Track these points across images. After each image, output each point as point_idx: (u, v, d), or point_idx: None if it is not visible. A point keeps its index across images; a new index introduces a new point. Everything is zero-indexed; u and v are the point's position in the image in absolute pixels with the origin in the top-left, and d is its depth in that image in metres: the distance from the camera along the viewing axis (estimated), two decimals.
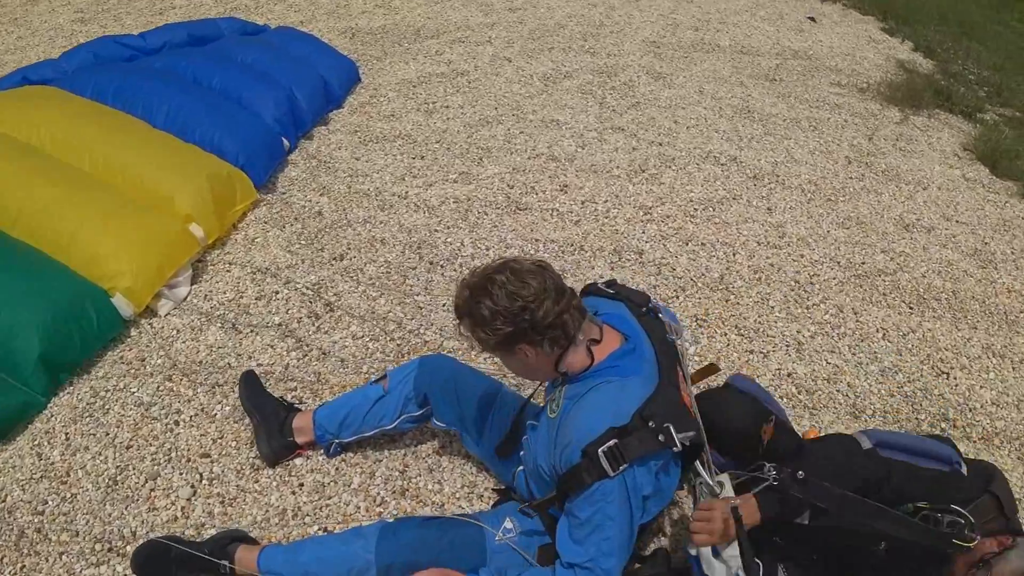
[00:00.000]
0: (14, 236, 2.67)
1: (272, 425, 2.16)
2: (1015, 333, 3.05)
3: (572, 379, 1.65)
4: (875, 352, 2.83)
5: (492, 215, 3.40)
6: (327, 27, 5.32)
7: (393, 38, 5.22)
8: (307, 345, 2.61)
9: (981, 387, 2.75)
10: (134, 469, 2.17)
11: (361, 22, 5.46)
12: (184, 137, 3.31)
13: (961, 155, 4.52)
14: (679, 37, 5.69)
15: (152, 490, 2.11)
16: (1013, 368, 2.87)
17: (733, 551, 1.61)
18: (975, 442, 2.53)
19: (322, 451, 2.21)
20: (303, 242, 3.12)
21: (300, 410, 2.23)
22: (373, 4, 5.73)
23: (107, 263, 2.61)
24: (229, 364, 2.52)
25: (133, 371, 2.48)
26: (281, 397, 2.29)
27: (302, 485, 2.13)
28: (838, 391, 2.63)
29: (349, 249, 3.10)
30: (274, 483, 2.14)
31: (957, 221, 3.79)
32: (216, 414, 2.34)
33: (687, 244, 3.30)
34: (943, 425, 2.57)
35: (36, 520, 2.02)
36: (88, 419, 2.31)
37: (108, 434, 2.27)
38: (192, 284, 2.85)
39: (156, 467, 2.18)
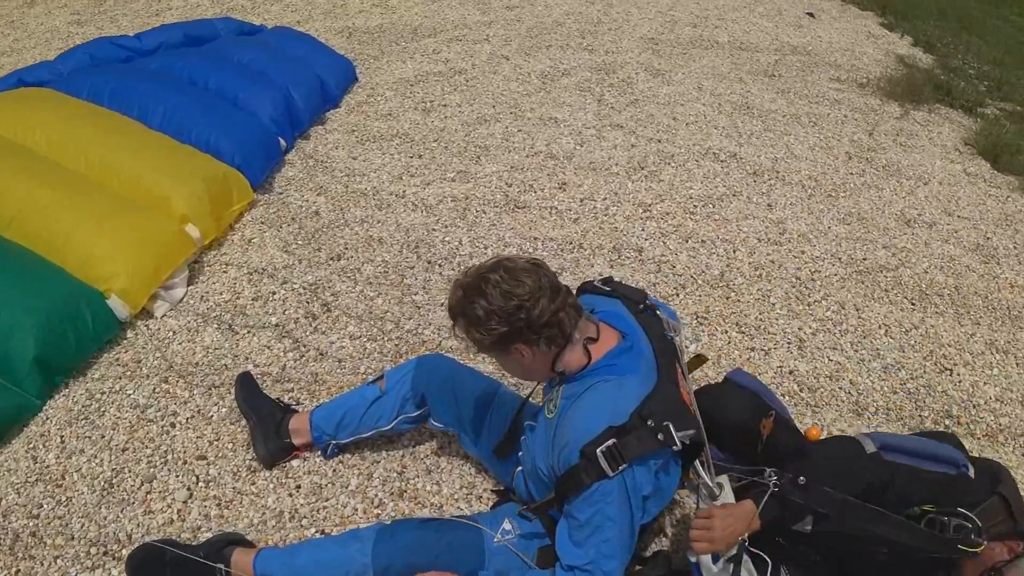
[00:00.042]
0: (9, 238, 2.65)
1: (268, 427, 2.14)
2: (1018, 328, 3.03)
3: (569, 378, 1.62)
4: (877, 349, 2.80)
5: (490, 213, 3.37)
6: (324, 27, 5.30)
7: (390, 37, 5.20)
8: (304, 346, 2.59)
9: (985, 383, 2.72)
10: (130, 472, 2.15)
11: (358, 21, 5.44)
12: (180, 138, 3.29)
13: (962, 150, 4.49)
14: (677, 34, 5.67)
15: (148, 493, 2.09)
16: (1017, 364, 2.84)
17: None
18: (979, 439, 2.50)
19: (319, 453, 2.18)
20: (300, 242, 3.10)
21: (297, 411, 2.20)
22: (370, 3, 5.71)
23: (102, 264, 2.59)
24: (226, 365, 2.50)
25: (129, 373, 2.46)
26: (278, 398, 2.27)
27: (299, 487, 2.11)
28: (840, 388, 2.60)
29: (346, 249, 3.08)
30: (271, 485, 2.11)
31: (959, 216, 3.77)
32: (212, 416, 2.32)
33: (687, 241, 3.28)
34: (947, 422, 2.54)
35: (31, 524, 2.00)
36: (84, 422, 2.29)
37: (104, 437, 2.25)
38: (188, 285, 2.83)
39: (152, 470, 2.15)
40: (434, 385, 2.02)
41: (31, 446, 2.22)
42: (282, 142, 3.65)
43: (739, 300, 2.97)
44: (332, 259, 3.02)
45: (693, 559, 1.64)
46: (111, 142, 3.12)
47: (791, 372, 2.64)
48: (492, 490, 2.12)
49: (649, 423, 1.49)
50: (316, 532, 2.00)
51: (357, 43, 5.08)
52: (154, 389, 2.40)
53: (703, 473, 1.69)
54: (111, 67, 3.83)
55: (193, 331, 2.63)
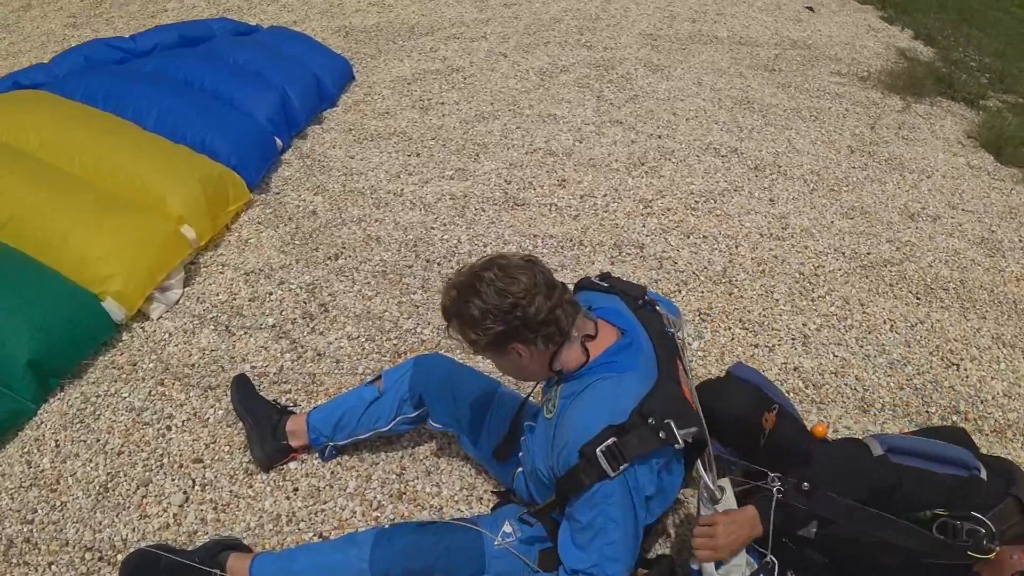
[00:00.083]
0: (3, 240, 2.62)
1: (265, 429, 2.11)
2: None
3: (567, 377, 1.58)
4: (883, 344, 2.77)
5: (489, 211, 3.34)
6: (320, 26, 5.27)
7: (387, 36, 5.17)
8: (302, 346, 2.56)
9: (992, 378, 2.68)
10: (125, 476, 2.12)
11: (355, 20, 5.40)
12: (175, 139, 3.27)
13: (965, 142, 4.45)
14: (676, 29, 5.63)
15: (144, 497, 2.06)
16: None
17: (739, 560, 1.56)
18: (987, 435, 2.47)
19: (317, 455, 2.15)
20: (297, 242, 3.07)
21: (294, 413, 2.17)
22: (367, 2, 5.68)
23: (98, 266, 2.57)
24: (222, 367, 2.47)
25: (124, 376, 2.43)
26: (275, 400, 2.24)
27: (297, 490, 2.08)
28: (846, 385, 2.57)
29: (344, 248, 3.05)
30: (268, 488, 2.08)
31: (963, 209, 3.73)
32: (209, 418, 2.29)
33: (688, 237, 3.25)
34: (954, 418, 2.50)
35: (25, 529, 1.98)
36: (79, 425, 2.26)
37: (99, 440, 2.22)
38: (184, 286, 2.80)
39: (148, 473, 2.13)
40: (432, 385, 1.99)
41: (25, 450, 2.19)
42: (278, 142, 3.62)
43: (742, 296, 2.93)
44: (330, 259, 2.99)
45: (696, 567, 1.61)
46: (106, 144, 3.09)
47: (795, 369, 2.61)
48: (493, 491, 2.09)
49: (650, 421, 1.45)
50: (314, 536, 1.97)
51: (354, 42, 5.05)
52: (150, 392, 2.37)
53: (705, 475, 1.65)
54: (106, 69, 3.80)
55: (189, 333, 2.60)
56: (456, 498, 2.09)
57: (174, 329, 2.61)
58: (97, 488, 2.08)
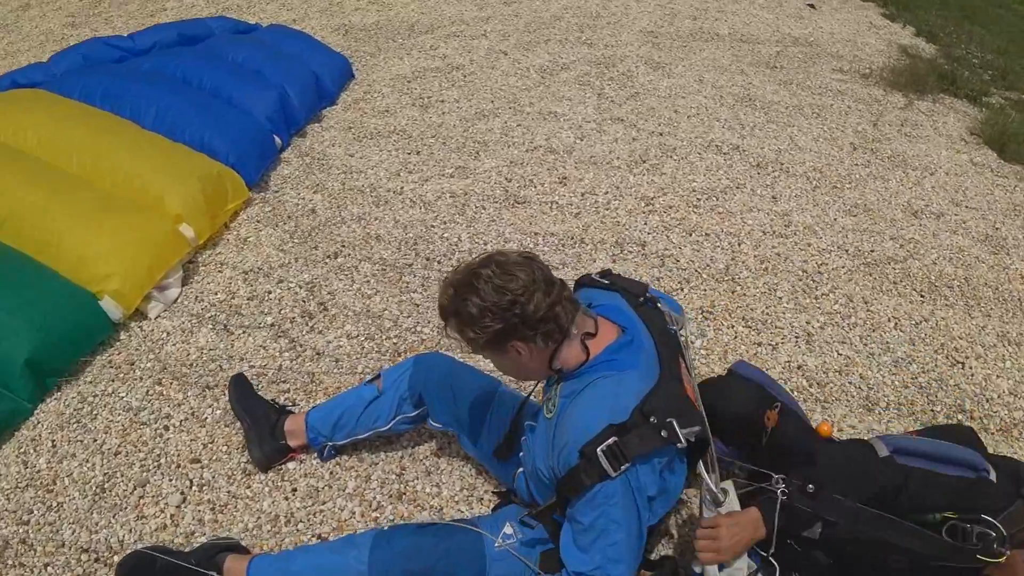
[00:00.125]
0: (1, 240, 2.60)
1: (263, 428, 2.09)
2: None
3: (567, 376, 1.55)
4: (887, 342, 2.74)
5: (490, 209, 3.32)
6: (320, 25, 5.25)
7: (387, 34, 5.15)
8: (300, 345, 2.54)
9: (997, 376, 2.66)
10: (122, 476, 2.09)
11: (354, 19, 5.39)
12: (174, 137, 3.25)
13: (968, 139, 4.43)
14: (677, 26, 5.61)
15: (141, 497, 2.04)
16: None
17: (741, 564, 1.54)
18: (993, 434, 2.44)
19: (315, 455, 2.13)
20: (296, 240, 3.05)
21: (292, 412, 2.15)
22: (366, 1, 5.66)
23: (95, 265, 2.55)
24: (220, 366, 2.44)
25: (122, 375, 2.41)
26: (273, 399, 2.22)
27: (295, 490, 2.06)
28: (850, 383, 2.54)
29: (343, 247, 3.03)
30: (266, 488, 2.06)
31: (967, 207, 3.70)
32: (207, 418, 2.26)
33: (691, 235, 3.22)
34: (959, 416, 2.48)
35: (21, 530, 1.95)
36: (75, 425, 2.24)
37: (96, 440, 2.19)
38: (183, 285, 2.78)
39: (145, 474, 2.10)
40: (432, 384, 1.96)
41: (22, 450, 2.17)
42: (277, 140, 3.60)
43: (745, 294, 2.91)
44: (329, 257, 2.96)
45: (698, 570, 1.58)
46: (104, 142, 3.07)
47: (799, 367, 2.58)
48: (493, 492, 2.06)
49: (652, 420, 1.41)
50: (313, 537, 1.94)
51: (354, 40, 5.03)
52: (147, 391, 2.35)
53: (707, 478, 1.62)
54: (103, 67, 3.78)
55: (187, 332, 2.58)
56: (456, 498, 2.07)
57: (172, 328, 2.59)
58: (94, 489, 2.05)
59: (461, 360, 2.12)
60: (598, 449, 1.40)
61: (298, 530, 1.96)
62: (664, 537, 1.98)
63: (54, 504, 2.02)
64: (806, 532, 1.54)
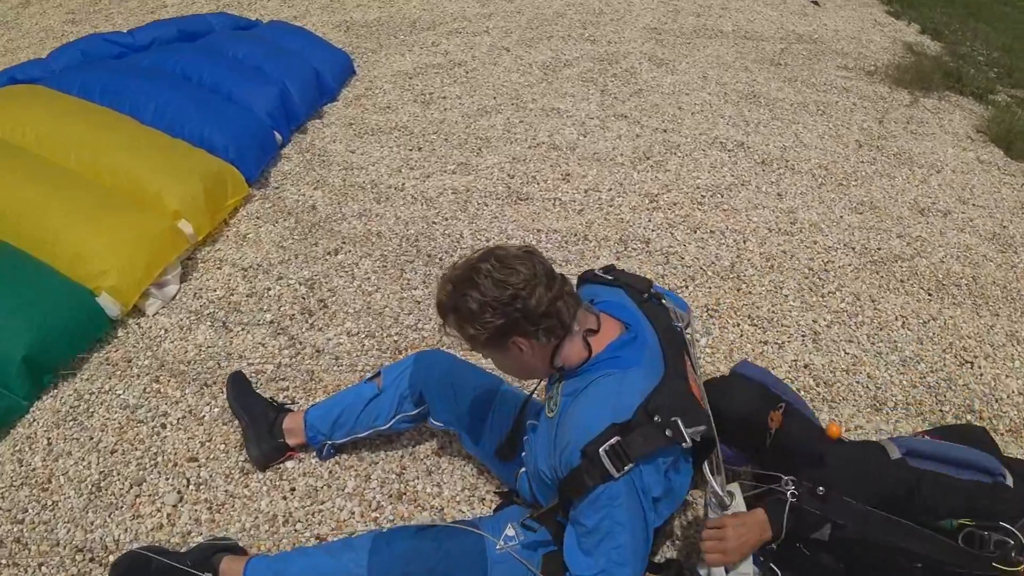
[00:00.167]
0: None
1: (261, 426, 2.05)
2: None
3: (569, 374, 1.51)
4: (895, 341, 2.70)
5: (492, 206, 3.28)
6: (321, 21, 5.22)
7: (388, 30, 5.12)
8: (300, 343, 2.50)
9: (1007, 376, 2.62)
10: (118, 475, 2.06)
11: (356, 15, 5.35)
12: (173, 133, 3.22)
13: (974, 137, 4.38)
14: (680, 23, 5.57)
15: (137, 496, 2.00)
16: None
17: (746, 568, 1.51)
18: (1002, 435, 2.40)
19: (314, 454, 2.10)
20: (296, 237, 3.02)
21: (291, 410, 2.12)
22: None
23: (93, 262, 2.52)
24: (219, 364, 2.41)
25: (119, 372, 2.38)
26: (271, 398, 2.19)
27: (294, 490, 2.02)
28: (858, 383, 2.50)
29: (344, 243, 3.00)
30: (264, 488, 2.03)
31: (974, 204, 3.66)
32: (204, 416, 2.23)
33: (695, 232, 3.18)
34: (968, 417, 2.44)
35: (15, 529, 1.92)
36: (71, 423, 2.21)
37: (92, 438, 2.16)
38: (181, 282, 2.75)
39: (141, 472, 2.07)
40: (433, 382, 1.92)
41: (17, 448, 2.14)
42: (278, 136, 3.57)
43: (750, 292, 2.87)
44: (329, 254, 2.93)
45: (704, 572, 1.55)
46: (103, 138, 3.04)
47: (806, 366, 2.54)
48: (495, 492, 2.03)
49: (656, 419, 1.37)
50: (311, 537, 1.91)
51: (355, 37, 5.00)
52: (144, 389, 2.32)
53: (713, 480, 1.59)
54: (102, 63, 3.76)
55: (186, 329, 2.55)
56: (458, 499, 2.03)
57: (170, 325, 2.56)
58: (89, 487, 2.02)
59: (462, 358, 2.08)
60: (600, 449, 1.35)
61: (296, 530, 1.93)
62: (669, 539, 1.94)
63: (49, 503, 1.99)
64: (815, 534, 1.50)
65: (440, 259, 2.93)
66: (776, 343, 2.63)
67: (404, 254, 2.95)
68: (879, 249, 3.19)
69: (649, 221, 3.23)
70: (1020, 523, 1.45)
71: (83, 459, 2.10)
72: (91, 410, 2.25)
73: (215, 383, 2.33)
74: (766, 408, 1.75)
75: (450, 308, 1.44)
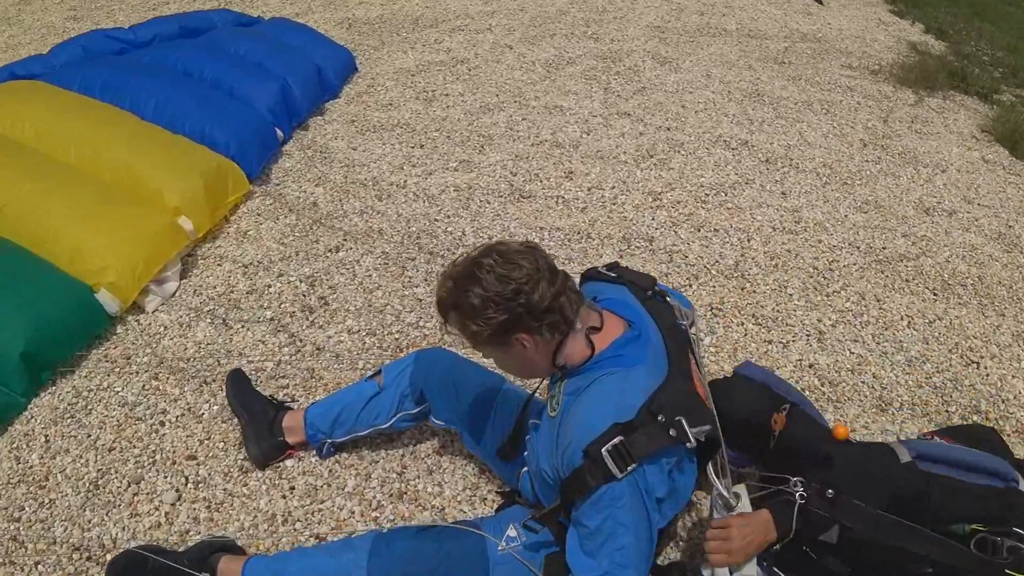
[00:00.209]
0: None
1: (261, 425, 2.03)
2: None
3: (572, 373, 1.48)
4: (900, 341, 2.68)
5: (495, 203, 3.26)
6: (323, 18, 5.20)
7: (391, 28, 5.10)
8: (300, 340, 2.48)
9: (1013, 377, 2.59)
10: (116, 473, 2.04)
11: (358, 12, 5.34)
12: (174, 130, 3.20)
13: (979, 137, 4.36)
14: (684, 22, 5.55)
15: (135, 495, 1.98)
16: None
17: (750, 570, 1.48)
18: (1009, 436, 2.37)
19: (314, 452, 2.07)
20: (297, 234, 3.00)
21: (291, 408, 2.09)
22: None
23: (92, 258, 2.50)
24: (218, 361, 2.39)
25: (118, 369, 2.36)
26: (271, 395, 2.16)
27: (293, 488, 2.00)
28: (863, 382, 2.48)
29: (345, 240, 2.97)
30: (263, 486, 2.00)
31: (979, 204, 3.63)
32: (204, 414, 2.21)
33: (699, 230, 3.16)
34: (975, 417, 2.41)
35: (12, 527, 1.90)
36: (69, 420, 2.19)
37: (90, 436, 2.14)
38: (181, 279, 2.73)
39: (140, 470, 2.05)
40: (434, 380, 1.90)
41: (14, 446, 2.12)
42: (279, 133, 3.55)
43: (755, 291, 2.85)
44: (330, 251, 2.91)
45: (708, 573, 1.52)
46: (103, 134, 3.03)
47: (811, 366, 2.52)
48: (497, 492, 2.00)
49: (660, 418, 1.34)
50: (311, 537, 1.89)
51: (357, 34, 4.98)
52: (143, 386, 2.29)
53: (718, 481, 1.56)
54: (103, 60, 3.74)
55: (185, 326, 2.53)
56: (459, 498, 2.01)
57: (170, 322, 2.54)
58: (87, 485, 2.00)
59: (464, 356, 2.06)
60: (603, 449, 1.33)
61: (295, 530, 1.90)
62: (673, 540, 1.92)
63: (46, 501, 1.97)
64: (823, 536, 1.48)
65: (442, 256, 2.91)
66: (781, 342, 2.61)
67: (406, 251, 2.93)
68: (884, 248, 3.17)
69: (653, 219, 3.21)
70: None
71: (81, 457, 2.08)
72: (89, 407, 2.23)
73: (214, 380, 2.31)
74: (769, 410, 1.73)
75: (451, 305, 1.41)
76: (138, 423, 2.18)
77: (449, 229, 3.08)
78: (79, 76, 3.42)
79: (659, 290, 1.67)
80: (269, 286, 2.71)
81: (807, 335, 2.65)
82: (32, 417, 2.20)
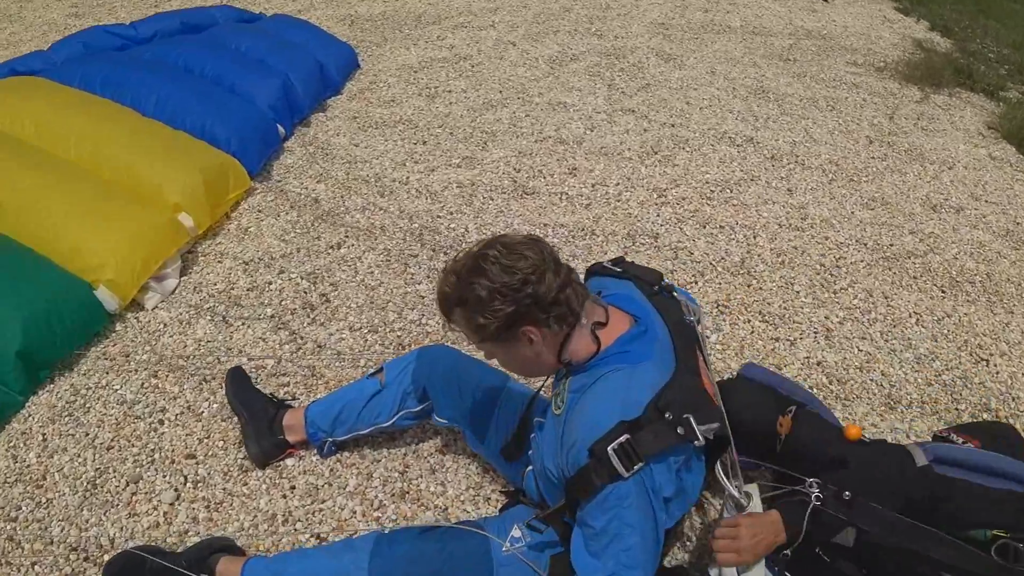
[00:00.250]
0: None
1: (261, 423, 2.00)
2: None
3: (577, 370, 1.45)
4: (909, 338, 2.64)
5: (498, 200, 3.23)
6: (325, 15, 5.18)
7: (393, 24, 5.07)
8: (301, 337, 2.45)
9: (1023, 375, 2.56)
10: (114, 472, 2.01)
11: (360, 9, 5.31)
12: (174, 126, 3.18)
13: (985, 134, 4.32)
14: (688, 18, 5.51)
15: (133, 494, 1.95)
16: None
17: (758, 571, 1.45)
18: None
19: (315, 451, 2.04)
20: (299, 230, 2.97)
21: (291, 407, 2.06)
22: None
23: (91, 255, 2.47)
24: (218, 359, 2.36)
25: (117, 367, 2.33)
26: (271, 394, 2.14)
27: (293, 488, 1.97)
28: (871, 380, 2.44)
29: (347, 237, 2.95)
30: (263, 486, 1.97)
31: (986, 201, 3.60)
32: (203, 412, 2.18)
33: (704, 227, 3.13)
34: (985, 415, 2.38)
35: (8, 527, 1.87)
36: (67, 418, 2.16)
37: (88, 434, 2.11)
38: (181, 276, 2.70)
39: (138, 469, 2.02)
40: (436, 378, 1.86)
41: (11, 444, 2.09)
42: (280, 129, 3.52)
43: (761, 288, 2.81)
44: (332, 247, 2.88)
45: (715, 572, 1.49)
46: (103, 130, 3.01)
47: (819, 363, 2.48)
48: (501, 491, 1.97)
49: (667, 416, 1.31)
50: (311, 537, 1.86)
51: (359, 31, 4.95)
52: (142, 384, 2.27)
53: (728, 483, 1.52)
54: (104, 55, 3.72)
55: (185, 323, 2.50)
56: (462, 498, 1.98)
57: (169, 319, 2.51)
58: (85, 484, 1.97)
59: (468, 353, 2.03)
60: (609, 447, 1.29)
61: (296, 530, 1.87)
62: (680, 540, 1.89)
63: (43, 500, 1.94)
64: (838, 539, 1.44)
65: (445, 253, 2.88)
66: (788, 340, 2.57)
67: (408, 248, 2.90)
68: (891, 245, 3.13)
69: (657, 216, 3.18)
70: None
71: (79, 456, 2.05)
72: (87, 405, 2.20)
73: (214, 378, 2.28)
74: (774, 413, 1.69)
75: (456, 300, 1.38)
76: (137, 421, 2.15)
77: (452, 226, 3.05)
78: (80, 72, 3.39)
79: (666, 284, 1.64)
80: (270, 283, 2.69)
81: (814, 332, 2.62)
82: (30, 415, 2.17)
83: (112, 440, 2.10)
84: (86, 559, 1.80)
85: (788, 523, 1.47)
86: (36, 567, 1.78)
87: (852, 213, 3.33)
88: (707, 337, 2.51)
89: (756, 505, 1.53)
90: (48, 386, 2.26)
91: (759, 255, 2.99)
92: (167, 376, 2.29)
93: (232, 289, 2.65)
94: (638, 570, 1.34)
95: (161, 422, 2.15)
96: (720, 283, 2.82)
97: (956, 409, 2.39)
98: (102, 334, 2.44)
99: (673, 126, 3.92)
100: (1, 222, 2.55)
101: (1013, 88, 5.16)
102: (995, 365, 2.58)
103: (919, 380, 2.47)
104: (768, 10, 5.87)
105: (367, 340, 2.47)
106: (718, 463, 1.56)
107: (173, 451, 2.07)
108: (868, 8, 6.40)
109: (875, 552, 1.44)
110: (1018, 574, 1.35)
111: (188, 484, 1.98)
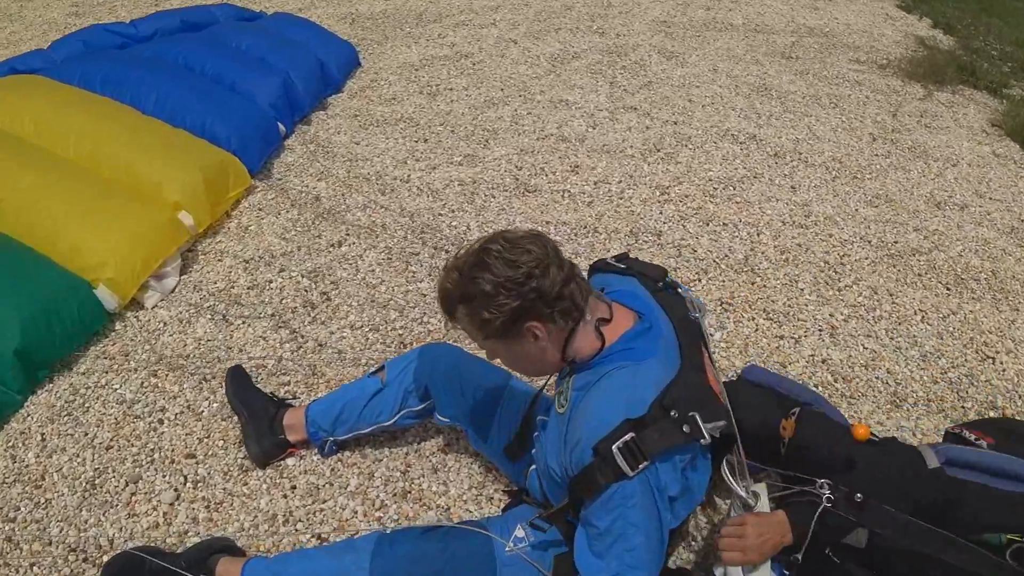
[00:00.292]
0: None
1: (261, 422, 1.98)
2: None
3: (580, 367, 1.42)
4: (914, 336, 2.62)
5: (499, 198, 3.21)
6: (326, 13, 5.16)
7: (394, 23, 5.06)
8: (302, 336, 2.44)
9: None
10: (114, 472, 2.00)
11: (361, 8, 5.30)
12: (174, 124, 3.18)
13: (989, 131, 4.29)
14: (690, 16, 5.49)
15: (133, 494, 1.94)
16: None
17: (764, 572, 1.42)
18: None
19: (316, 450, 2.02)
20: (299, 229, 2.95)
21: (292, 406, 2.04)
22: None
23: (90, 253, 2.46)
24: (218, 357, 2.35)
25: (116, 366, 2.31)
26: (272, 393, 2.12)
27: (294, 488, 1.95)
28: (877, 378, 2.42)
29: (348, 235, 2.93)
30: (264, 486, 1.96)
31: (991, 198, 3.57)
32: (203, 411, 2.16)
33: (708, 224, 3.11)
34: (991, 413, 2.36)
35: (7, 528, 1.86)
36: (66, 418, 2.15)
37: (87, 434, 2.10)
38: (181, 274, 2.69)
39: (137, 469, 2.00)
40: (438, 376, 1.85)
41: (10, 444, 2.08)
42: (281, 127, 3.51)
43: (765, 285, 2.79)
44: (333, 246, 2.87)
45: (720, 572, 1.47)
46: (103, 129, 3.00)
47: (824, 361, 2.46)
48: (504, 491, 1.95)
49: (672, 414, 1.29)
50: (312, 537, 1.84)
51: (360, 29, 4.94)
52: (142, 383, 2.25)
53: (734, 484, 1.50)
54: (104, 54, 3.71)
55: (185, 322, 2.48)
56: (464, 497, 1.96)
57: (169, 318, 2.50)
58: (84, 485, 1.96)
59: (470, 352, 2.01)
60: (614, 446, 1.27)
61: (297, 530, 1.86)
62: (685, 540, 1.87)
63: (42, 500, 1.92)
64: (849, 540, 1.41)
65: (446, 251, 2.86)
66: (792, 338, 2.55)
67: (409, 246, 2.89)
68: (896, 243, 3.11)
69: (660, 213, 3.16)
70: None
71: (78, 455, 2.04)
72: (87, 405, 2.19)
73: (214, 377, 2.26)
74: (777, 417, 1.67)
75: (459, 297, 1.36)
76: (136, 421, 2.14)
77: (454, 224, 3.03)
78: (79, 70, 3.39)
79: (670, 281, 1.62)
80: (270, 281, 2.67)
81: (819, 330, 2.60)
82: (28, 415, 2.16)
83: (111, 440, 2.08)
84: (85, 560, 1.79)
85: (795, 524, 1.45)
86: (35, 568, 1.77)
87: (856, 210, 3.31)
88: (711, 335, 2.50)
89: (764, 505, 1.51)
90: (47, 385, 2.25)
91: (763, 252, 2.97)
92: (167, 375, 2.28)
93: (232, 288, 2.64)
94: (642, 570, 1.32)
95: (161, 422, 2.14)
96: (724, 280, 2.80)
97: (962, 407, 2.37)
98: (101, 333, 2.43)
99: (675, 124, 3.90)
100: (0, 221, 2.54)
101: (1016, 85, 5.13)
102: (1001, 363, 2.56)
103: (925, 378, 2.45)
104: (770, 7, 5.85)
105: (368, 339, 2.45)
106: (724, 462, 1.54)
107: (173, 451, 2.05)
108: (870, 5, 6.36)
109: (887, 555, 1.41)
110: None
111: (188, 484, 1.96)
